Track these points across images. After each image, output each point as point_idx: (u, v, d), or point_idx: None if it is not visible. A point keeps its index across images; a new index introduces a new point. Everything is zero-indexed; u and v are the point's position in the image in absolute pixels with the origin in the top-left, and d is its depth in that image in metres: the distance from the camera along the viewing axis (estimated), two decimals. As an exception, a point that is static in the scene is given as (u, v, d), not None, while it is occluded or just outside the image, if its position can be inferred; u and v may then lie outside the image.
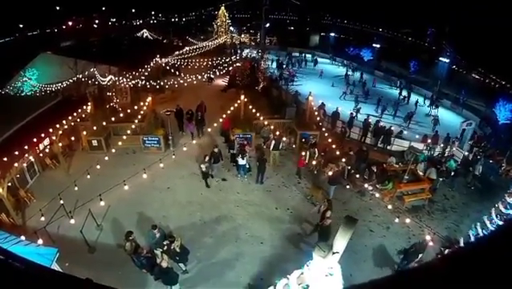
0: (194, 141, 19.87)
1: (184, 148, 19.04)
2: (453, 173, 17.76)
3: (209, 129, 19.60)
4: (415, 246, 11.99)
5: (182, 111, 21.62)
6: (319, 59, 51.48)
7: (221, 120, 19.77)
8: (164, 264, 9.86)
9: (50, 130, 16.25)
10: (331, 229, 11.76)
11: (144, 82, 28.44)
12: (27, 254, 8.62)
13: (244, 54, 47.62)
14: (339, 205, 15.58)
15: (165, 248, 10.92)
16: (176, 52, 43.26)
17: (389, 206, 15.11)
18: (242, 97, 20.69)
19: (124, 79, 27.82)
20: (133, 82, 28.18)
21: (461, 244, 12.61)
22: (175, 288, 10.47)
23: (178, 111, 21.51)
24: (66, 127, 17.88)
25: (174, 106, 21.83)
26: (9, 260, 1.03)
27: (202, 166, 16.01)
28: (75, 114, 18.69)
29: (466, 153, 20.75)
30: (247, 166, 17.42)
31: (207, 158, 16.22)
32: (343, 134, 21.96)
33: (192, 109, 21.90)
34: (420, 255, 11.88)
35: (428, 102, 34.08)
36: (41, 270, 1.04)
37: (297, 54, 54.85)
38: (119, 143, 18.44)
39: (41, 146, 17.05)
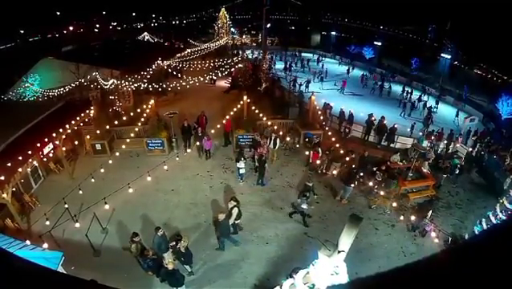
0: (198, 143, 19.64)
1: (189, 150, 19.05)
2: (457, 171, 17.70)
3: (212, 131, 19.57)
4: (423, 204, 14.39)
5: (190, 127, 20.20)
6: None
7: (224, 121, 19.75)
8: (171, 266, 9.85)
9: (54, 135, 16.29)
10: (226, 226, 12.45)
11: (146, 85, 28.43)
12: (33, 258, 8.63)
13: (246, 55, 47.67)
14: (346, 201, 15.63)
15: (172, 247, 10.97)
16: (178, 54, 43.26)
17: (394, 204, 15.07)
18: (245, 98, 20.66)
19: (127, 83, 27.83)
20: (136, 85, 28.18)
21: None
22: None
23: (185, 128, 20.01)
24: (69, 131, 17.92)
25: (177, 108, 21.78)
26: (13, 262, 1.03)
27: (304, 206, 13.70)
28: (78, 118, 18.73)
29: (470, 149, 20.69)
30: (243, 170, 16.97)
31: (307, 194, 13.97)
32: (346, 134, 22.09)
33: (195, 122, 20.75)
34: (430, 212, 13.82)
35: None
36: (45, 271, 1.04)
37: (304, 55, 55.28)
38: (123, 146, 18.46)
39: (45, 151, 17.09)
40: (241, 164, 16.58)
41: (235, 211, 12.82)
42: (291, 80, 33.93)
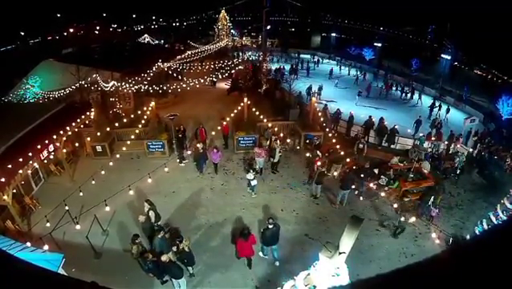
0: (198, 145, 18.24)
1: (189, 152, 19.04)
2: (458, 171, 17.66)
3: (213, 132, 19.60)
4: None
5: (185, 132, 19.92)
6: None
7: (224, 123, 19.75)
8: (164, 258, 9.90)
9: (55, 137, 16.30)
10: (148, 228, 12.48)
11: (146, 87, 28.52)
12: (33, 260, 8.63)
13: (246, 57, 47.72)
14: (345, 205, 15.62)
15: (175, 248, 10.99)
16: (178, 56, 43.36)
17: (395, 205, 15.06)
18: (245, 100, 20.68)
19: (127, 85, 27.89)
20: (136, 87, 28.25)
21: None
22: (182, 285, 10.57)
23: (181, 133, 19.72)
24: (70, 133, 17.93)
25: (177, 110, 21.79)
26: (14, 264, 1.03)
27: (412, 220, 14.06)
28: (78, 120, 18.76)
29: (471, 150, 20.66)
30: (255, 183, 15.88)
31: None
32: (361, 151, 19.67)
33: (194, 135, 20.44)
34: (432, 197, 14.40)
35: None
36: (46, 273, 1.04)
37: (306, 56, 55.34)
38: (124, 148, 18.51)
39: (45, 153, 17.09)
40: (250, 176, 15.66)
41: (152, 214, 12.62)
42: (307, 88, 32.17)
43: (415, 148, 19.41)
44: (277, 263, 12.27)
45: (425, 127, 25.17)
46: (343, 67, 48.23)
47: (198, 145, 17.28)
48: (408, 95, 35.69)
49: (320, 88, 33.63)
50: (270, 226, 11.50)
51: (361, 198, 16.01)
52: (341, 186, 15.33)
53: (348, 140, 22.08)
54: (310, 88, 32.57)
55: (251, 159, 17.86)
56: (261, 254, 12.48)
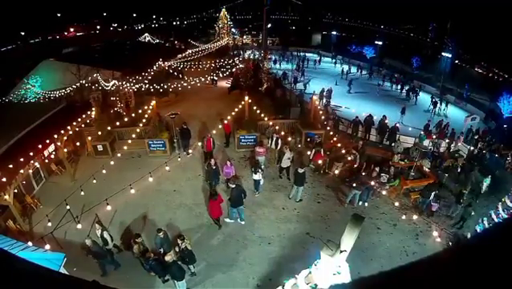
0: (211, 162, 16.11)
1: (190, 151, 19.02)
2: (459, 170, 17.62)
3: (214, 131, 19.58)
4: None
5: (189, 130, 19.43)
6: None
7: (225, 121, 19.72)
8: (168, 257, 9.91)
9: (55, 136, 16.31)
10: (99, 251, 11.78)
11: (147, 86, 28.52)
12: (35, 259, 8.63)
13: (246, 56, 47.68)
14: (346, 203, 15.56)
15: (177, 248, 11.00)
16: (179, 55, 43.37)
17: (396, 203, 15.02)
18: (246, 98, 20.67)
19: (128, 84, 27.89)
20: (137, 86, 28.25)
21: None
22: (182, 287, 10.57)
23: (184, 130, 19.32)
24: (71, 132, 17.96)
25: (178, 109, 21.78)
26: (15, 264, 1.03)
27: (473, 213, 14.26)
28: (79, 119, 18.77)
29: (471, 148, 20.63)
30: (262, 183, 15.95)
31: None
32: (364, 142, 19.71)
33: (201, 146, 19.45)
34: (433, 193, 14.61)
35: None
36: (47, 273, 1.04)
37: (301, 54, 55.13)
38: (125, 147, 18.49)
39: (46, 152, 17.11)
40: (258, 176, 15.54)
41: (107, 235, 11.93)
42: (319, 92, 28.96)
43: (416, 147, 19.37)
44: (242, 223, 14.21)
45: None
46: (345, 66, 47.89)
47: (211, 162, 16.02)
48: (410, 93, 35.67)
49: (330, 91, 29.78)
50: (233, 186, 13.52)
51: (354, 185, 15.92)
52: (354, 187, 15.16)
53: (349, 137, 22.23)
54: (322, 92, 29.67)
55: (255, 161, 17.72)
56: (227, 219, 14.27)
